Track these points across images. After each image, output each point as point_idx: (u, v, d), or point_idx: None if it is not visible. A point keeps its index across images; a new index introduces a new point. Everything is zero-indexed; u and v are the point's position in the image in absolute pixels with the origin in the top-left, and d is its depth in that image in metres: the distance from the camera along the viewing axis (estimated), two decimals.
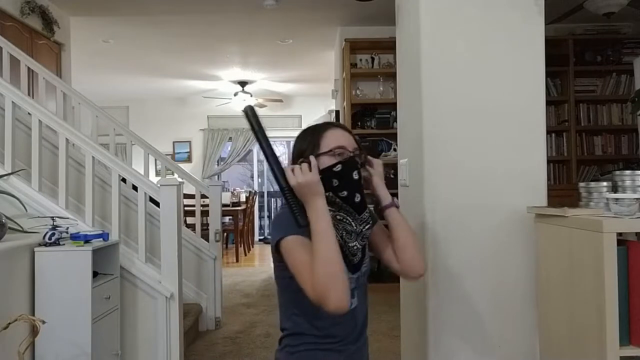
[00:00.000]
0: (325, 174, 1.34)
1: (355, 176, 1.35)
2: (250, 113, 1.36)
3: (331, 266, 1.22)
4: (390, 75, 5.40)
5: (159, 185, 3.01)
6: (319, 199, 1.28)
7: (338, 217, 1.36)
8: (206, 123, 9.79)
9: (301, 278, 1.26)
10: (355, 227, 1.36)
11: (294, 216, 1.30)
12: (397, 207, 1.47)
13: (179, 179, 3.77)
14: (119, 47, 6.44)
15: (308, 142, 1.41)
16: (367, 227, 1.38)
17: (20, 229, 2.69)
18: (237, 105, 8.63)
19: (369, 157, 1.46)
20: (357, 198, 1.35)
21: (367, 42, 5.49)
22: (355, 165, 1.36)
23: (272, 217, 1.45)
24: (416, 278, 1.53)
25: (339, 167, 1.34)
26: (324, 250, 1.24)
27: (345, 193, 1.35)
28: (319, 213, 1.27)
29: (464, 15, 1.90)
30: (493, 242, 1.87)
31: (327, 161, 1.36)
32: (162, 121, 9.48)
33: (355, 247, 1.36)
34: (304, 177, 1.28)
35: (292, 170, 1.30)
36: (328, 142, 1.38)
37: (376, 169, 1.47)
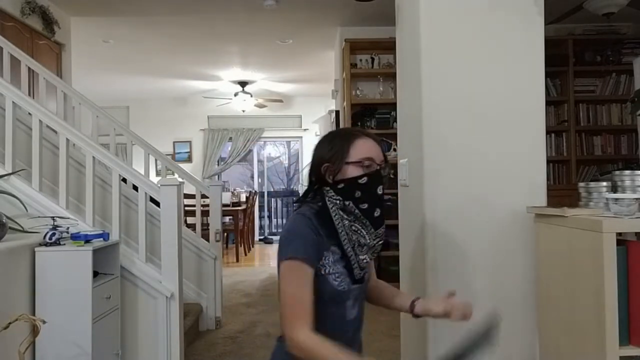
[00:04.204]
0: (349, 184, 1.33)
1: (379, 191, 1.33)
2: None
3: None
4: (390, 75, 5.40)
5: (159, 185, 3.01)
6: None
7: (354, 227, 1.34)
8: (206, 123, 9.79)
9: (282, 308, 1.27)
10: (368, 241, 1.34)
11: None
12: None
13: (179, 179, 3.77)
14: (119, 47, 6.44)
15: (337, 147, 1.36)
16: (380, 242, 1.36)
17: (21, 228, 2.70)
18: (237, 105, 8.64)
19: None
20: (377, 213, 1.33)
21: (367, 42, 5.49)
22: (380, 180, 1.34)
23: (285, 225, 1.47)
24: None
25: (364, 180, 1.32)
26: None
27: (365, 206, 1.33)
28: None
29: (464, 16, 1.90)
30: (493, 242, 1.88)
31: (353, 171, 1.33)
32: (163, 121, 9.49)
33: (364, 261, 1.36)
34: None
35: None
36: (358, 152, 1.34)
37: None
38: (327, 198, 1.36)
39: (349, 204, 1.33)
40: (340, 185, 1.34)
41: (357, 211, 1.33)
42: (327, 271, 1.33)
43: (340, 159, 1.34)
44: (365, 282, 1.43)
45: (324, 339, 1.22)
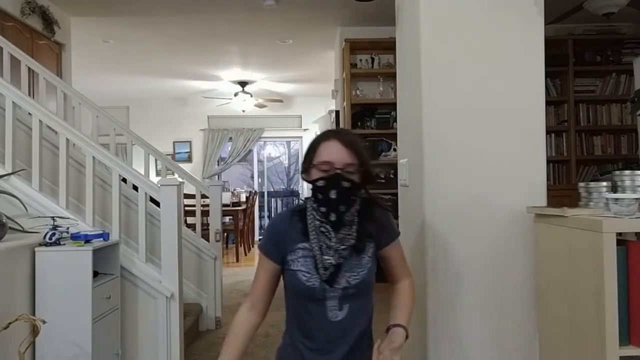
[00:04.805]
0: (313, 187, 1.39)
1: (333, 195, 1.35)
2: None
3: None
4: (390, 75, 5.40)
5: (159, 185, 3.01)
6: None
7: (322, 228, 1.39)
8: (206, 123, 9.79)
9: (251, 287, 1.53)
10: (333, 243, 1.38)
11: None
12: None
13: (179, 179, 3.77)
14: (119, 47, 6.44)
15: (309, 149, 1.44)
16: (343, 248, 1.39)
17: (21, 229, 2.70)
18: (237, 105, 8.64)
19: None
20: (332, 217, 1.36)
21: (367, 42, 5.49)
22: (335, 184, 1.35)
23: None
24: None
25: (321, 183, 1.37)
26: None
27: (324, 209, 1.37)
28: None
29: (464, 16, 1.90)
30: (493, 242, 1.88)
31: (315, 174, 1.39)
32: (163, 121, 9.49)
33: (328, 261, 1.38)
34: None
35: None
36: (319, 155, 1.39)
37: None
38: (309, 198, 1.44)
39: (316, 206, 1.39)
40: (311, 187, 1.41)
41: (320, 213, 1.38)
42: (296, 267, 1.41)
43: (309, 161, 1.41)
44: (353, 287, 1.40)
45: (244, 325, 1.48)
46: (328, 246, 1.38)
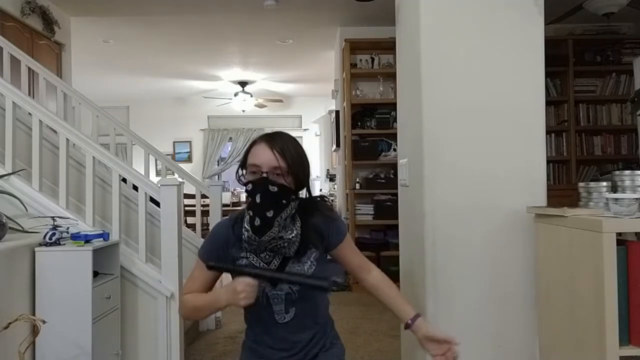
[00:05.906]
0: (245, 190, 1.36)
1: (258, 199, 1.31)
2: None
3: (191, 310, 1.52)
4: (390, 75, 5.40)
5: (159, 185, 3.01)
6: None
7: (249, 237, 1.37)
8: (206, 123, 9.80)
9: (185, 284, 1.52)
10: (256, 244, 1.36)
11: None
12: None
13: (180, 179, 3.77)
14: (119, 47, 6.44)
15: (245, 151, 1.40)
16: (270, 248, 1.36)
17: (21, 228, 2.70)
18: (237, 105, 8.64)
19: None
20: (257, 222, 1.32)
21: (367, 42, 5.49)
22: (259, 189, 1.31)
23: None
24: None
25: (249, 187, 1.34)
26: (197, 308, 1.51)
27: (251, 213, 1.34)
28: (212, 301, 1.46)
29: (464, 16, 1.90)
30: (493, 242, 1.88)
31: (248, 177, 1.36)
32: (163, 121, 9.49)
33: (264, 260, 1.39)
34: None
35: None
36: (250, 158, 1.35)
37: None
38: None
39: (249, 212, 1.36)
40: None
41: (249, 217, 1.35)
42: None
43: (244, 164, 1.38)
44: (296, 292, 1.40)
45: (198, 294, 1.47)
46: (260, 251, 1.38)
